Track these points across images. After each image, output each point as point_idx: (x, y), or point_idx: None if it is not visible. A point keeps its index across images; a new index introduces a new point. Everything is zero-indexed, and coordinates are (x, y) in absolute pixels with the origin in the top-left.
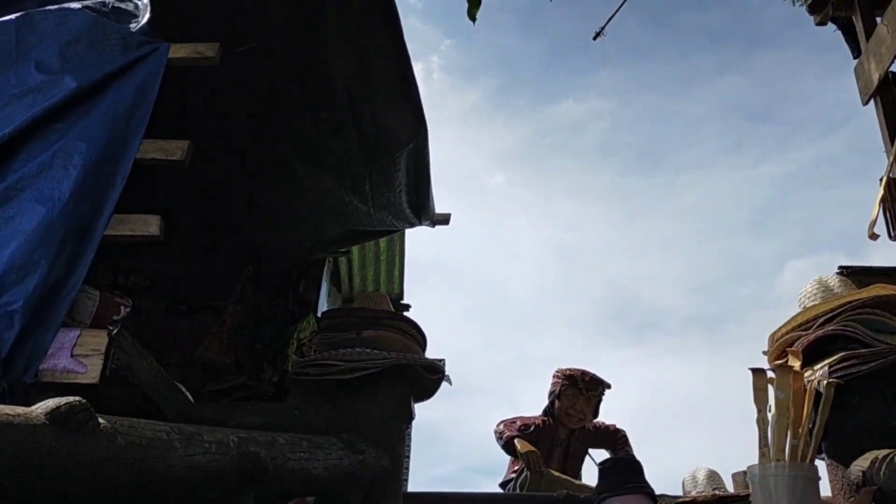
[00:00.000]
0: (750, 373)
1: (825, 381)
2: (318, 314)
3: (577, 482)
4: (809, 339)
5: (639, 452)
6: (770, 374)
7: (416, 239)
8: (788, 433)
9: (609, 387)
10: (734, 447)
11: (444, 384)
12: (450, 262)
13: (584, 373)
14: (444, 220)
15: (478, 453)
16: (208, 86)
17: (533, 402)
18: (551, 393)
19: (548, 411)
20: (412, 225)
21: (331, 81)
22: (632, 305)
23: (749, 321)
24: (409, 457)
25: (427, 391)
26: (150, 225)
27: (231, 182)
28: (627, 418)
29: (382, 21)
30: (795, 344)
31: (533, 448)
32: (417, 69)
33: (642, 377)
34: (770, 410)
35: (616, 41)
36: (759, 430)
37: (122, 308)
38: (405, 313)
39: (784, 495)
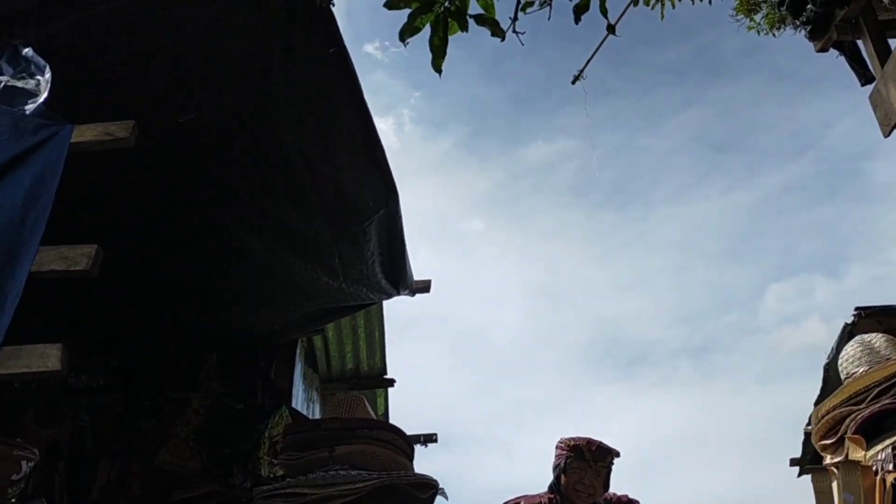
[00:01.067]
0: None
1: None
2: (293, 402)
3: None
4: (864, 415)
5: (640, 493)
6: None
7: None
8: None
9: (618, 455)
10: (731, 478)
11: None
12: (430, 315)
13: (589, 442)
14: (425, 287)
15: None
16: (132, 165)
17: (526, 451)
18: (556, 466)
19: (553, 487)
20: (389, 296)
21: (283, 148)
22: (618, 342)
23: (736, 348)
24: None
25: None
26: (48, 358)
27: (180, 265)
28: (623, 455)
29: (338, 79)
30: (847, 422)
31: None
32: (388, 123)
33: (634, 412)
34: None
35: (581, 82)
36: None
37: (25, 463)
38: (389, 389)
39: None
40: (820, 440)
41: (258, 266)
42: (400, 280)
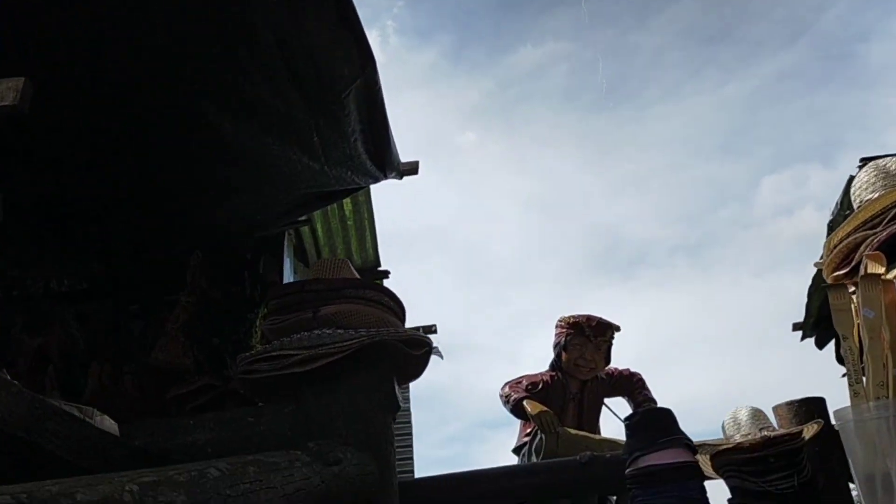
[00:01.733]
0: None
1: None
2: None
3: (596, 437)
4: (881, 238)
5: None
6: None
7: (391, 208)
8: (889, 360)
9: (618, 329)
10: (735, 371)
11: (433, 358)
12: (430, 229)
13: (589, 318)
14: (413, 169)
15: (484, 409)
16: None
17: (532, 355)
18: (556, 344)
19: (555, 365)
20: (376, 179)
21: (246, 13)
22: (616, 245)
23: (733, 243)
24: (410, 434)
25: (412, 371)
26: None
27: (154, 158)
28: (628, 355)
29: None
30: (862, 248)
31: (544, 408)
32: (373, 36)
33: (635, 312)
34: (860, 335)
35: None
36: (848, 362)
37: None
38: (384, 281)
39: (894, 440)
40: (833, 272)
41: (234, 151)
42: (385, 160)
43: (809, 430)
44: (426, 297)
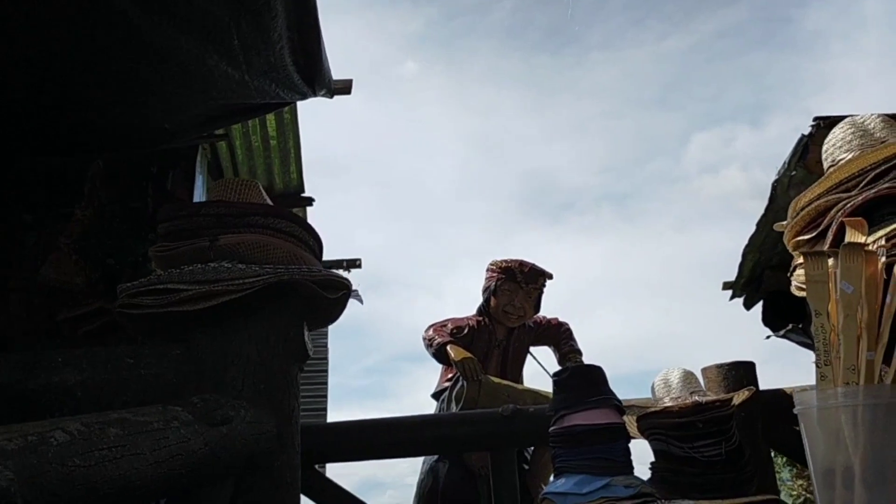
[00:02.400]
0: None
1: None
2: None
3: (519, 387)
4: (855, 203)
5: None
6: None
7: (322, 132)
8: (861, 342)
9: (551, 277)
10: (651, 318)
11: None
12: (363, 158)
13: (522, 263)
14: (346, 88)
15: (405, 342)
16: None
17: (457, 293)
18: (486, 289)
19: (482, 310)
20: (304, 95)
21: None
22: (547, 189)
23: (657, 196)
24: (326, 371)
25: (326, 315)
26: None
27: (52, 45)
28: (550, 298)
29: None
30: (833, 212)
31: (468, 354)
32: None
33: (561, 256)
34: (835, 315)
35: None
36: (818, 341)
37: None
38: (308, 209)
39: (861, 433)
40: (795, 236)
41: (144, 47)
42: (315, 76)
43: (739, 397)
44: (353, 229)
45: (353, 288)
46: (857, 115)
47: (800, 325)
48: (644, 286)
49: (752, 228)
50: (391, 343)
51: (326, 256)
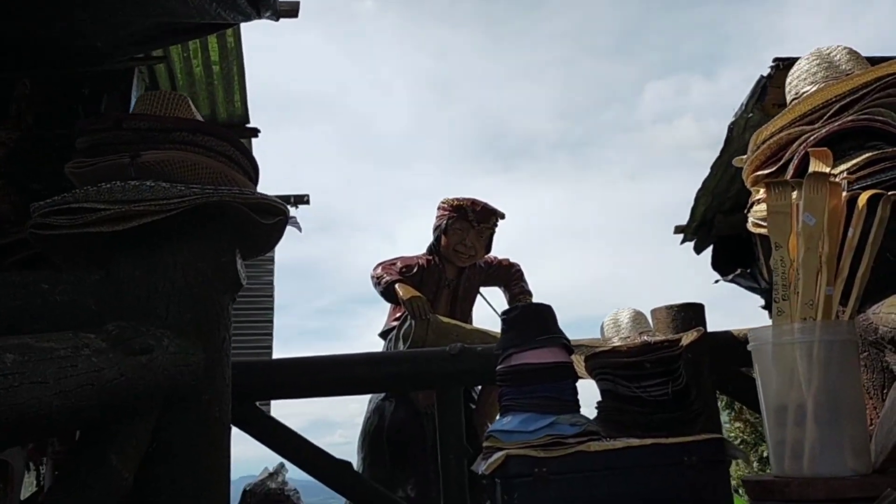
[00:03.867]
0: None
1: (869, 196)
2: None
3: (467, 326)
4: (819, 135)
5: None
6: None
7: (274, 67)
8: (820, 277)
9: (503, 216)
10: (602, 264)
11: (296, 231)
12: (316, 96)
13: (474, 202)
14: (292, 10)
15: (358, 284)
16: None
17: (409, 236)
18: (436, 227)
19: (433, 249)
20: (247, 16)
21: None
22: (502, 134)
23: (612, 144)
24: (271, 296)
25: (261, 243)
26: None
27: None
28: (503, 244)
29: None
30: (795, 145)
31: (417, 293)
32: None
33: (515, 202)
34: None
35: None
36: (777, 274)
37: None
38: (253, 141)
39: (815, 370)
40: (754, 170)
41: None
42: None
43: (688, 338)
44: (304, 166)
45: (291, 215)
46: (823, 47)
47: (748, 270)
48: (596, 233)
49: (705, 175)
50: (344, 284)
51: (273, 191)
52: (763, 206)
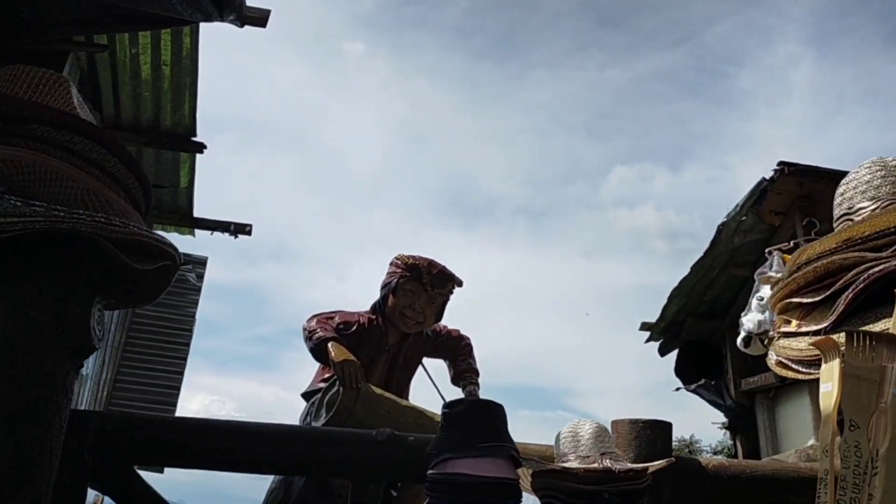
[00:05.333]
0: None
1: None
2: None
3: (402, 402)
4: (889, 267)
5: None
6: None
7: (251, 91)
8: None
9: (460, 284)
10: (542, 336)
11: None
12: (288, 125)
13: (431, 263)
14: (260, 18)
15: (300, 317)
16: None
17: (360, 281)
18: (385, 285)
19: (378, 307)
20: (207, 15)
21: None
22: (467, 192)
23: (572, 218)
24: (186, 349)
25: (139, 292)
26: None
27: None
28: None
29: None
30: (853, 273)
31: (350, 356)
32: None
33: (470, 260)
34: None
35: None
36: (845, 465)
37: None
38: (198, 158)
39: None
40: (789, 295)
41: None
42: None
43: (656, 468)
44: (263, 193)
45: (187, 265)
46: (888, 158)
47: (712, 382)
48: (543, 304)
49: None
50: (287, 316)
51: (214, 216)
52: (797, 344)
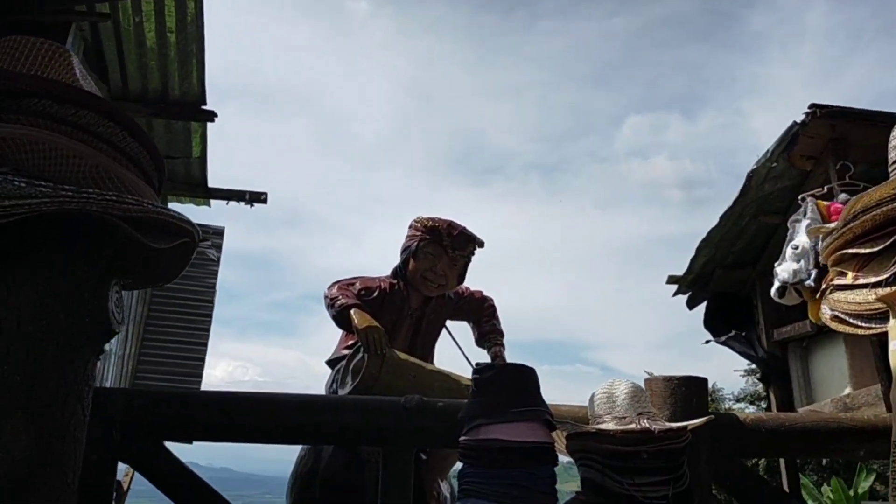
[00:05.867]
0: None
1: None
2: None
3: (428, 366)
4: None
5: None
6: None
7: (253, 57)
8: None
9: (482, 245)
10: (559, 290)
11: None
12: (295, 89)
13: (451, 225)
14: None
15: (316, 282)
16: None
17: (374, 244)
18: (405, 248)
19: (398, 272)
20: None
21: None
22: (477, 149)
23: (585, 172)
24: (209, 320)
25: (157, 271)
26: None
27: None
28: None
29: None
30: None
31: (374, 322)
32: None
33: (482, 218)
34: None
35: None
36: None
37: None
38: (209, 126)
39: None
40: (843, 246)
41: None
42: None
43: (695, 426)
44: (274, 160)
45: (207, 242)
46: None
47: (743, 334)
48: (560, 259)
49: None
50: (304, 281)
51: (226, 185)
52: (854, 297)
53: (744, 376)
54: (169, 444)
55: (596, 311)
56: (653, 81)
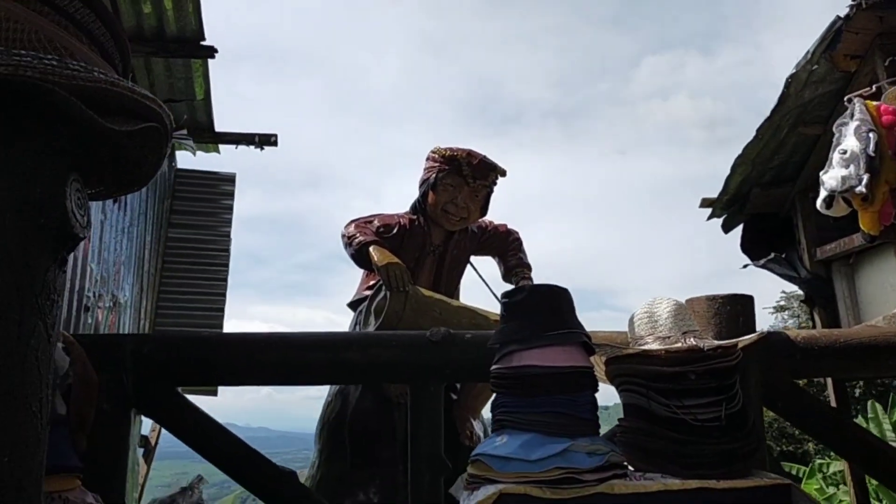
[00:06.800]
0: None
1: None
2: None
3: (454, 302)
4: None
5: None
6: None
7: (269, 16)
8: None
9: (503, 174)
10: (585, 236)
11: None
12: (306, 46)
13: (470, 154)
14: None
15: (338, 242)
16: None
17: (393, 196)
18: (424, 181)
19: (418, 206)
20: None
21: None
22: (495, 99)
23: (604, 116)
24: (226, 270)
25: (126, 169)
26: None
27: None
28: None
29: None
30: None
31: (395, 259)
32: None
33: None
34: None
35: None
36: None
37: None
38: (209, 63)
39: None
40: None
41: None
42: None
43: (746, 343)
44: (289, 119)
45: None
46: None
47: (783, 255)
48: (583, 205)
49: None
50: (327, 241)
51: (238, 129)
52: None
53: (773, 313)
54: (208, 407)
55: (621, 257)
56: (669, 19)
